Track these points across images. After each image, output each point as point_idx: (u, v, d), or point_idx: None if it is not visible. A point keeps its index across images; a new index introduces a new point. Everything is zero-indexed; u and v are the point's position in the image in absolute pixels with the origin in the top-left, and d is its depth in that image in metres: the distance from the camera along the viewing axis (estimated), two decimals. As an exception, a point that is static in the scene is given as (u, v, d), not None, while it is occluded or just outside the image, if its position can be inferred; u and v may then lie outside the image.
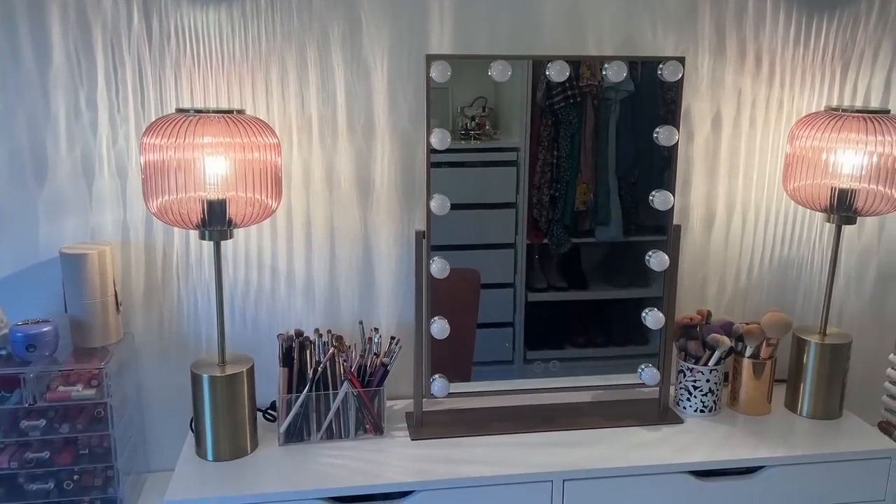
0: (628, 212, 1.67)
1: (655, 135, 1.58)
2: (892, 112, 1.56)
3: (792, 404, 1.72)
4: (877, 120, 1.52)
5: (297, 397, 1.53)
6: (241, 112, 1.39)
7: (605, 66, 1.53)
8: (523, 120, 1.63)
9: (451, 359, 1.71)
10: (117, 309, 1.55)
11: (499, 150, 1.67)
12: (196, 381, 1.46)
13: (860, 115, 1.54)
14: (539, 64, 1.55)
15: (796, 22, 1.69)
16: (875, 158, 1.53)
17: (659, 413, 1.67)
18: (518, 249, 1.71)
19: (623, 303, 1.74)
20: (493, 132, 1.65)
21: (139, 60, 1.50)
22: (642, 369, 1.66)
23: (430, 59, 1.46)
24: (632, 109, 1.62)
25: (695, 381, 1.66)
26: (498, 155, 1.68)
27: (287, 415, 1.53)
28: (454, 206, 1.62)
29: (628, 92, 1.61)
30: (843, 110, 1.56)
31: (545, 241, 1.71)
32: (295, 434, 1.55)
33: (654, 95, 1.60)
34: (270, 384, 1.57)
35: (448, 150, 1.60)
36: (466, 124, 1.63)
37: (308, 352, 1.55)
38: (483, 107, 1.62)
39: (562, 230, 1.70)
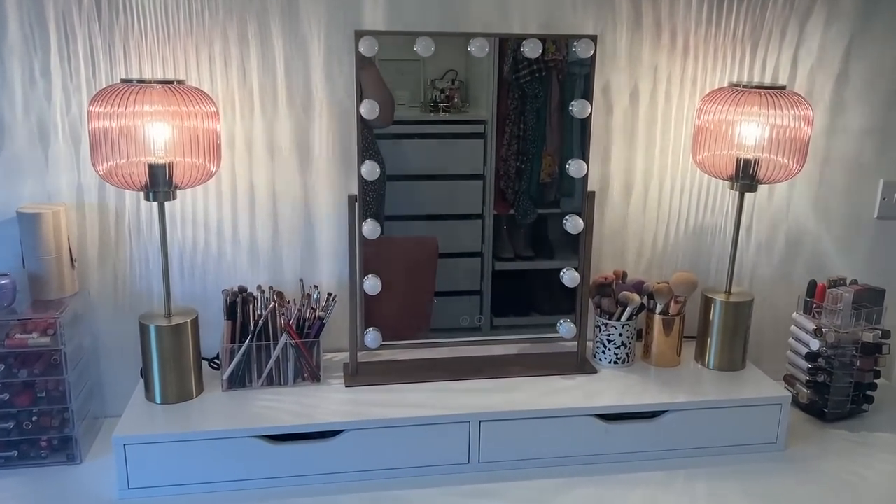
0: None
1: (570, 108, 1.71)
2: (787, 88, 1.70)
3: (700, 357, 1.87)
4: (773, 95, 1.65)
5: (240, 347, 1.66)
6: (181, 83, 1.51)
7: (523, 43, 1.65)
8: (491, 94, 1.72)
9: (405, 323, 1.84)
10: (72, 265, 1.67)
11: (467, 123, 1.76)
12: (144, 330, 1.59)
13: (759, 90, 1.67)
14: (506, 40, 1.64)
15: (708, 2, 1.82)
16: (773, 130, 1.66)
17: (576, 364, 1.82)
18: (486, 219, 1.80)
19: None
20: (461, 105, 1.74)
21: (89, 33, 1.61)
22: (561, 324, 1.80)
23: (359, 34, 1.58)
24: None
25: (609, 335, 1.81)
26: (466, 127, 1.77)
27: (230, 363, 1.67)
28: (422, 177, 1.72)
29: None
30: (745, 86, 1.69)
31: (512, 211, 1.81)
32: (237, 381, 1.68)
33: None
34: (216, 337, 1.70)
35: (417, 122, 1.70)
36: (436, 97, 1.72)
37: (251, 307, 1.68)
38: (453, 80, 1.72)
39: (528, 201, 1.80)
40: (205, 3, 1.64)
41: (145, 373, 1.63)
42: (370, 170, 1.64)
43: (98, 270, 1.74)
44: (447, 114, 1.73)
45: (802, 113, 1.65)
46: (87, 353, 1.71)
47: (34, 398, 1.59)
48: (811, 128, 1.68)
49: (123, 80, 1.49)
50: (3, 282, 1.56)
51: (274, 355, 1.68)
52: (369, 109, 1.61)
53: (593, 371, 1.80)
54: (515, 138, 1.75)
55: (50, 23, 1.59)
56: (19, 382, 1.57)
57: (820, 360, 1.80)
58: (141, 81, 1.46)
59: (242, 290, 1.68)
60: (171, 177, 1.51)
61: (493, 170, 1.76)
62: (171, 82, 1.49)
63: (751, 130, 1.68)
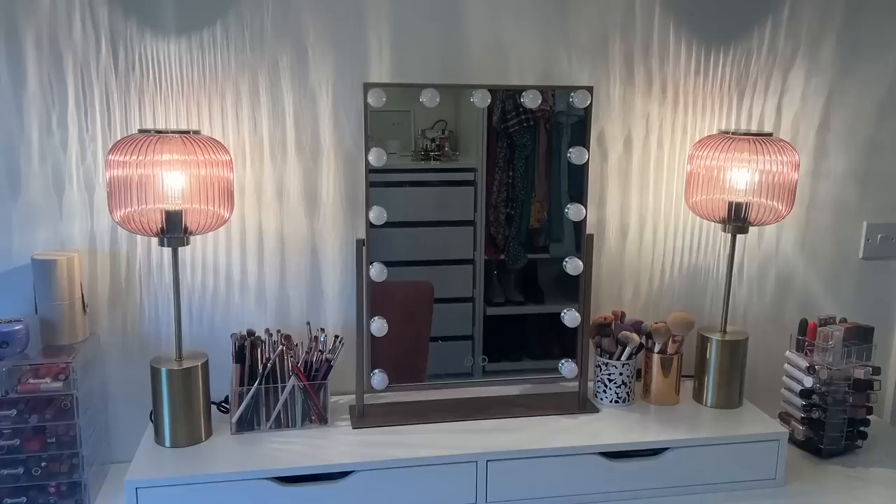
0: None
1: (569, 155, 1.78)
2: (773, 135, 1.79)
3: (698, 396, 1.91)
4: (761, 142, 1.74)
5: (249, 390, 1.68)
6: (196, 132, 1.56)
7: (523, 94, 1.73)
8: (480, 142, 1.78)
9: (405, 365, 1.87)
10: (84, 310, 1.70)
11: (457, 171, 1.82)
12: (155, 374, 1.62)
13: (747, 137, 1.75)
14: (494, 90, 1.71)
15: (696, 55, 1.91)
16: (762, 175, 1.74)
17: (578, 404, 1.85)
18: (477, 265, 1.85)
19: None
20: (452, 153, 1.80)
21: (106, 85, 1.67)
22: (562, 364, 1.85)
23: (367, 86, 1.65)
24: (581, 133, 1.77)
25: (609, 374, 1.85)
26: (457, 175, 1.82)
27: (239, 406, 1.69)
28: (415, 224, 1.77)
29: (578, 117, 1.77)
30: (733, 133, 1.78)
31: (502, 256, 1.85)
32: (246, 424, 1.70)
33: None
34: (225, 380, 1.72)
35: (409, 170, 1.75)
36: (427, 146, 1.77)
37: (259, 350, 1.71)
38: (443, 129, 1.78)
39: (518, 247, 1.85)
40: (218, 58, 1.71)
41: (155, 416, 1.64)
42: (378, 215, 1.69)
43: (108, 315, 1.77)
44: (438, 162, 1.79)
45: (789, 158, 1.73)
46: (96, 398, 1.72)
47: (44, 443, 1.59)
48: (798, 172, 1.76)
49: (141, 131, 1.54)
50: (16, 327, 1.59)
51: (282, 398, 1.71)
52: (377, 157, 1.67)
53: (595, 410, 1.83)
54: (505, 185, 1.81)
55: (68, 76, 1.65)
56: (30, 428, 1.58)
57: (814, 396, 1.85)
58: (158, 132, 1.52)
59: (251, 333, 1.71)
60: (184, 223, 1.55)
61: (484, 216, 1.81)
62: (188, 132, 1.54)
63: (741, 175, 1.76)
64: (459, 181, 1.82)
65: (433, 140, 1.77)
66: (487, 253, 1.84)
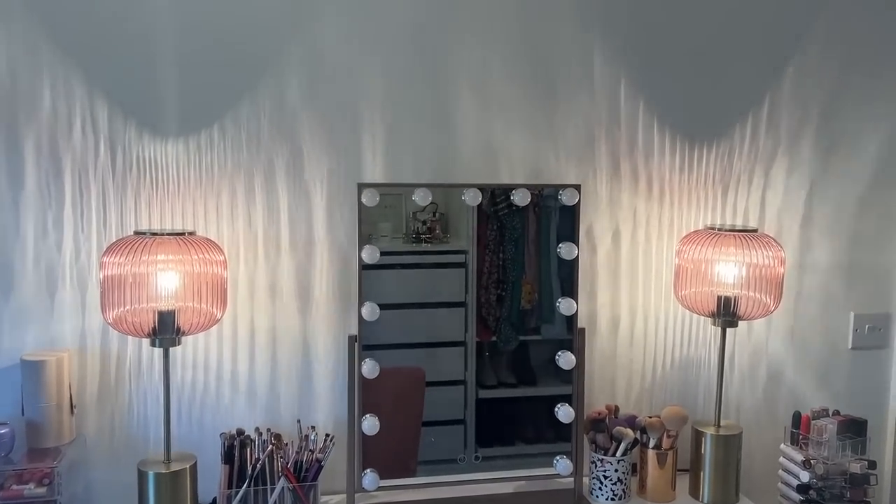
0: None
1: (558, 250, 1.81)
2: (758, 230, 1.83)
3: (694, 491, 1.88)
4: (747, 238, 1.77)
5: (237, 492, 1.65)
6: (192, 234, 1.58)
7: (513, 192, 1.76)
8: (471, 225, 1.81)
9: (395, 455, 1.84)
10: (71, 411, 1.67)
11: (448, 253, 1.84)
12: (142, 477, 1.58)
13: (733, 233, 1.79)
14: (484, 189, 1.74)
15: (680, 151, 1.97)
16: (749, 269, 1.77)
17: (574, 502, 1.82)
18: (468, 346, 1.85)
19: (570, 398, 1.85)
20: (443, 236, 1.83)
21: (103, 186, 1.69)
22: (557, 460, 1.82)
23: (361, 186, 1.69)
24: (570, 215, 1.81)
25: (605, 471, 1.83)
26: (448, 257, 1.84)
27: (227, 509, 1.65)
28: (406, 306, 1.77)
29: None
30: (719, 229, 1.82)
31: (494, 338, 1.86)
32: (234, 527, 1.66)
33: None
34: (213, 481, 1.69)
35: (400, 253, 1.76)
36: (418, 228, 1.80)
37: (248, 449, 1.68)
38: (434, 212, 1.82)
39: (509, 328, 1.86)
40: (214, 158, 1.74)
41: (141, 522, 1.60)
42: (371, 311, 1.70)
43: (96, 415, 1.74)
44: (429, 244, 1.81)
45: (775, 253, 1.77)
46: (80, 503, 1.68)
47: (24, 552, 1.54)
48: (784, 267, 1.79)
49: (137, 233, 1.56)
50: (1, 431, 1.56)
51: (271, 500, 1.67)
52: (370, 254, 1.69)
53: (591, 508, 1.80)
54: (495, 267, 1.83)
55: (66, 177, 1.67)
56: (10, 535, 1.53)
57: (811, 492, 1.83)
58: (153, 233, 1.53)
59: (240, 432, 1.69)
60: (177, 323, 1.55)
61: (475, 297, 1.82)
62: (182, 233, 1.56)
63: (729, 269, 1.79)
64: (450, 263, 1.84)
65: (424, 223, 1.80)
66: (479, 335, 1.84)
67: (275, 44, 1.75)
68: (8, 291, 1.67)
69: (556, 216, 1.83)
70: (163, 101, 1.71)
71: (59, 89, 1.65)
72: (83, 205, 1.69)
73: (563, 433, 1.84)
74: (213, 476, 1.68)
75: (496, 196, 1.80)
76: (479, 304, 1.83)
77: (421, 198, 1.71)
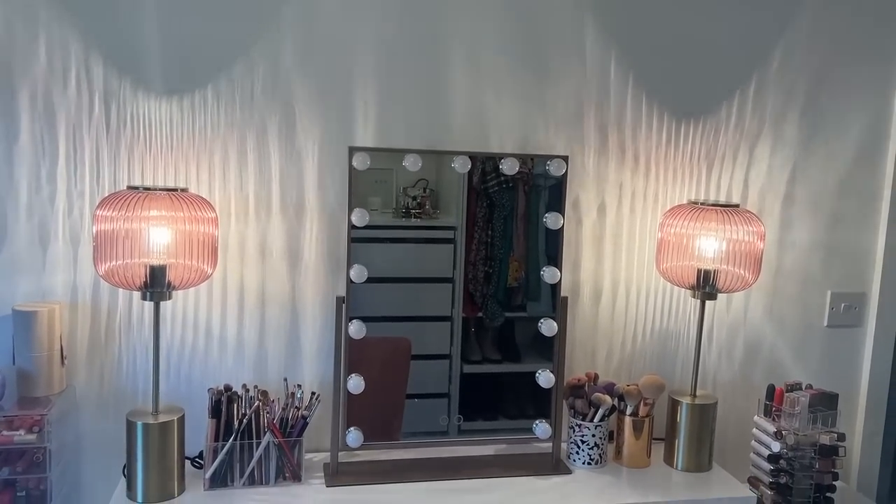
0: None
1: (544, 220, 1.84)
2: (740, 206, 1.87)
3: (668, 458, 1.94)
4: (729, 212, 1.81)
5: (223, 445, 1.69)
6: (184, 190, 1.61)
7: (502, 160, 1.80)
8: (460, 201, 1.83)
9: (380, 420, 1.88)
10: (62, 362, 1.70)
11: (437, 228, 1.86)
12: (130, 427, 1.62)
13: (715, 207, 1.83)
14: (474, 157, 1.77)
15: (667, 127, 2.01)
16: (729, 244, 1.81)
17: (551, 465, 1.87)
18: (454, 322, 1.88)
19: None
20: (432, 211, 1.85)
21: (97, 143, 1.71)
22: (536, 424, 1.87)
23: (353, 150, 1.71)
24: (559, 193, 1.83)
25: (582, 436, 1.88)
26: (436, 233, 1.86)
27: (213, 462, 1.69)
28: (395, 280, 1.80)
29: (556, 180, 1.83)
30: (702, 203, 1.86)
31: (480, 314, 1.89)
32: (219, 480, 1.69)
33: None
34: (200, 435, 1.72)
35: (389, 227, 1.78)
36: (408, 203, 1.83)
37: (236, 405, 1.72)
38: (424, 188, 1.84)
39: (496, 305, 1.89)
40: (208, 118, 1.76)
41: (128, 471, 1.63)
42: (359, 273, 1.73)
43: (86, 367, 1.77)
44: (418, 220, 1.83)
45: (755, 229, 1.81)
46: (69, 451, 1.72)
47: (13, 497, 1.58)
48: (763, 242, 1.84)
49: (130, 187, 1.58)
50: (-7, 378, 1.59)
51: (257, 454, 1.71)
52: (360, 217, 1.72)
53: (567, 472, 1.85)
54: (483, 244, 1.85)
55: (60, 132, 1.69)
56: (0, 481, 1.57)
57: (781, 461, 1.89)
58: (146, 188, 1.56)
59: (228, 388, 1.72)
60: (168, 277, 1.58)
61: (463, 274, 1.85)
62: (175, 189, 1.58)
63: (709, 244, 1.83)
64: (439, 238, 1.86)
65: (414, 198, 1.82)
66: (465, 310, 1.87)
67: (270, 5, 1.76)
68: (0, 243, 1.70)
69: (545, 195, 1.86)
70: (157, 59, 1.72)
71: (54, 44, 1.67)
72: (77, 160, 1.71)
73: (543, 407, 1.88)
74: (200, 430, 1.71)
75: (486, 173, 1.82)
76: (467, 280, 1.85)
77: (411, 163, 1.73)
